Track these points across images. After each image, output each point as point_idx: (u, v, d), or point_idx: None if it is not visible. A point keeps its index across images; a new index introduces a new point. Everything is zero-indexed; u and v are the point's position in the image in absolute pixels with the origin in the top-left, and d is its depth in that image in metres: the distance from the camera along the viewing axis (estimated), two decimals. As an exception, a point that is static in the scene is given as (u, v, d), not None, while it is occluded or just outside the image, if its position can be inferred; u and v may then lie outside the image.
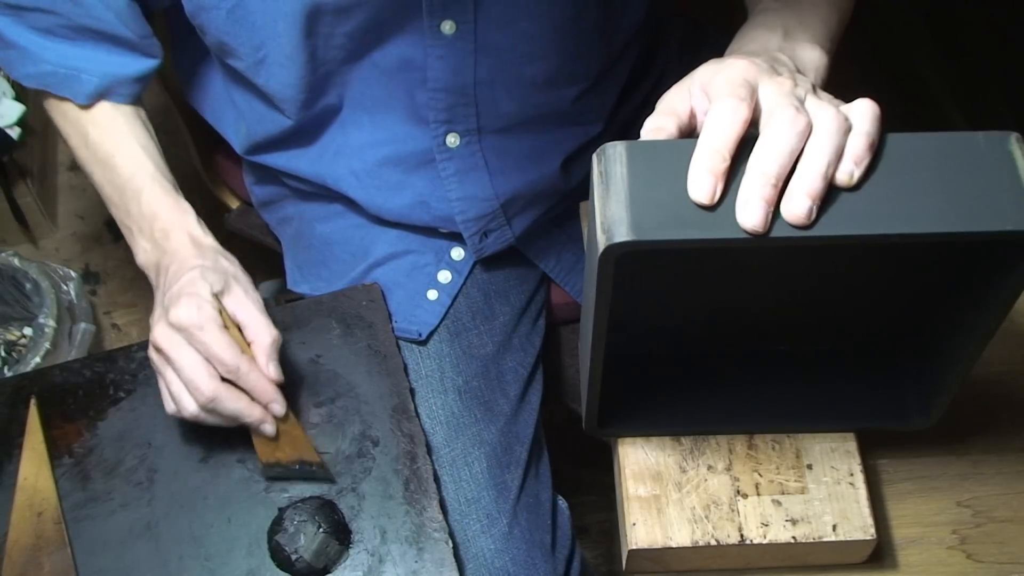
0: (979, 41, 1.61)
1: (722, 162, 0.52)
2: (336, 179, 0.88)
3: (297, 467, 0.78)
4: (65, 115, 0.85)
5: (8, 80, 1.50)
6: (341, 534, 0.76)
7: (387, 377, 0.84)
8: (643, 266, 0.60)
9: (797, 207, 0.51)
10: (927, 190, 0.53)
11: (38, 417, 0.82)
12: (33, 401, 0.83)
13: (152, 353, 0.76)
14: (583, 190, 0.92)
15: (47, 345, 1.36)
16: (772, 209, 0.51)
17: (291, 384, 0.80)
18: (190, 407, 0.74)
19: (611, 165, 0.55)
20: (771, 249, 0.63)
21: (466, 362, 0.90)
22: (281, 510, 0.77)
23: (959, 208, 0.52)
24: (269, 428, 0.76)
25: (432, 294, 0.91)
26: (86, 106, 0.84)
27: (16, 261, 1.42)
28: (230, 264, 0.80)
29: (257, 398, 0.75)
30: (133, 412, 0.82)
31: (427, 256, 0.92)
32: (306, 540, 0.74)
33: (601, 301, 0.57)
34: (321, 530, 0.74)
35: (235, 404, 0.73)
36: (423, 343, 0.90)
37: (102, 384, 0.84)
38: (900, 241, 0.52)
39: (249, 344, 0.76)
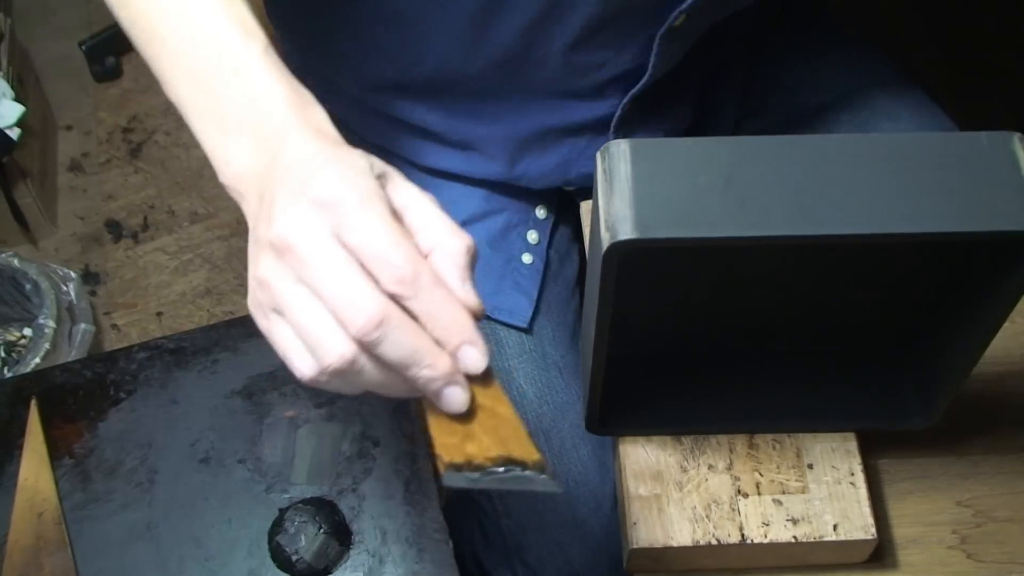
0: (979, 41, 1.61)
1: None
2: (476, 139, 0.77)
3: (503, 470, 0.49)
4: None
5: (8, 81, 1.50)
6: (342, 535, 0.76)
7: (388, 377, 0.84)
8: (645, 265, 0.60)
9: None
10: (929, 189, 0.53)
11: (38, 418, 0.82)
12: (33, 402, 0.82)
13: (256, 292, 0.47)
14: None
15: (47, 346, 1.36)
16: None
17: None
18: (338, 347, 0.45)
19: (615, 163, 0.55)
20: (773, 248, 0.63)
21: (560, 335, 0.85)
22: (282, 511, 0.77)
23: (961, 207, 0.52)
24: (460, 395, 0.47)
25: (527, 258, 0.83)
26: None
27: (16, 261, 1.42)
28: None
29: (440, 336, 0.46)
30: (133, 413, 0.82)
31: (516, 215, 0.83)
32: (307, 541, 0.74)
33: (604, 300, 0.57)
34: (322, 531, 0.74)
35: (411, 338, 0.45)
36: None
37: (102, 385, 0.84)
38: (902, 240, 0.52)
39: (425, 256, 0.47)
